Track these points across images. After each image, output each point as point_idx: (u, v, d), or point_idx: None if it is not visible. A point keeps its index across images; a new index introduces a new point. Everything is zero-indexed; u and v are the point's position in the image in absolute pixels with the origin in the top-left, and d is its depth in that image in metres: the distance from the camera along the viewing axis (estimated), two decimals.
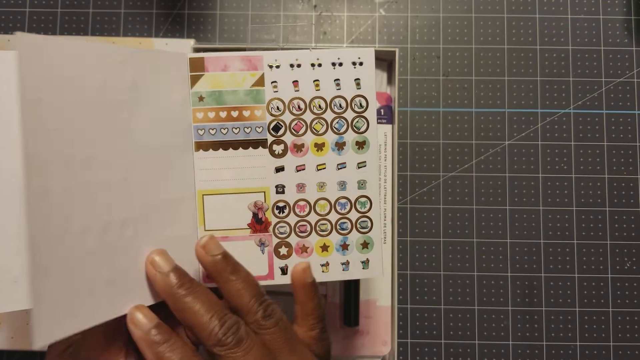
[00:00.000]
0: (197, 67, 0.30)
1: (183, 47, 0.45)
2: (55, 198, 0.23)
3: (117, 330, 0.28)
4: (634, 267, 0.45)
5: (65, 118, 0.24)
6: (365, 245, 0.31)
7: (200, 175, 0.30)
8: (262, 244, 0.31)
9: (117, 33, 0.47)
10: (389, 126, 0.42)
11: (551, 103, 0.46)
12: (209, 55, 0.30)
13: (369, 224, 0.31)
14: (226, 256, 0.28)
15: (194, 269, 0.30)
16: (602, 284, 0.45)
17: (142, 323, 0.26)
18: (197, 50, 0.43)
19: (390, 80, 0.43)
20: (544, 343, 0.45)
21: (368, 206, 0.31)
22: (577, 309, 0.45)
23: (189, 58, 0.30)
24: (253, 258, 0.31)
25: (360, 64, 0.31)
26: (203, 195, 0.31)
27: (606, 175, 0.46)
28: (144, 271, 0.27)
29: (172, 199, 0.29)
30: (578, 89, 0.46)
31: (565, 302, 0.45)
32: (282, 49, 0.41)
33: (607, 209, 0.46)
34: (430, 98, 0.46)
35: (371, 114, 0.31)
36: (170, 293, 0.27)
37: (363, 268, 0.31)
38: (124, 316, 0.27)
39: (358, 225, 0.31)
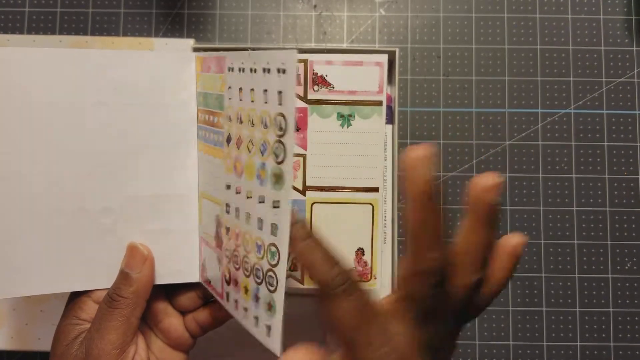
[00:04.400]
0: (199, 67, 0.30)
1: (183, 47, 0.45)
2: (21, 184, 0.28)
3: (132, 327, 0.28)
4: (634, 267, 0.45)
5: (35, 119, 0.28)
6: (269, 307, 0.24)
7: (200, 176, 0.30)
8: (219, 261, 0.28)
9: (117, 33, 0.47)
10: (389, 126, 0.42)
11: (551, 103, 0.46)
12: (204, 55, 0.30)
13: (275, 282, 0.24)
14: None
15: (186, 263, 0.30)
16: (602, 284, 0.45)
17: (301, 230, 0.24)
18: (196, 50, 0.42)
19: (390, 80, 0.43)
20: (544, 343, 0.45)
21: (276, 259, 0.24)
22: (577, 309, 0.45)
23: (197, 57, 0.30)
24: (215, 271, 0.29)
25: (284, 71, 0.23)
26: (200, 196, 0.30)
27: (606, 175, 0.46)
28: (121, 257, 0.29)
29: (165, 194, 0.30)
30: (578, 89, 0.46)
31: (565, 302, 0.45)
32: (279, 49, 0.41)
33: (607, 209, 0.46)
34: (430, 98, 0.46)
35: (289, 140, 0.22)
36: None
37: (266, 334, 0.24)
38: (143, 308, 0.29)
39: (267, 279, 0.25)
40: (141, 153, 0.29)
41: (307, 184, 0.30)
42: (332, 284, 0.22)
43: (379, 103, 0.30)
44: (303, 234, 0.23)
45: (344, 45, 0.47)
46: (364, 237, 0.30)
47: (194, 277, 0.31)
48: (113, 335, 0.27)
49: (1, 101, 0.28)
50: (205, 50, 0.43)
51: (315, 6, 0.47)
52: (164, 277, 0.30)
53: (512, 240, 0.25)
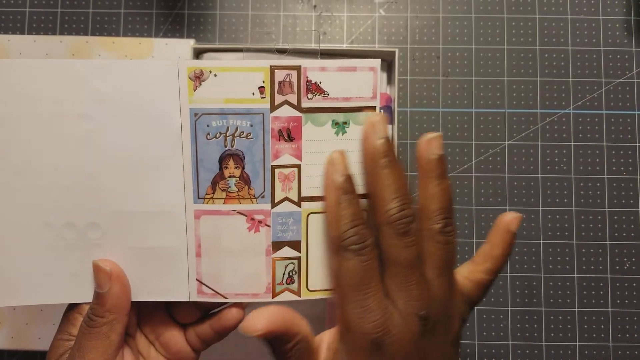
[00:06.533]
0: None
1: (183, 47, 0.45)
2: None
3: (113, 345, 0.28)
4: (634, 267, 0.45)
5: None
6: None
7: None
8: None
9: (117, 33, 0.47)
10: (389, 126, 0.42)
11: (551, 103, 0.46)
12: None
13: None
14: (441, 159, 0.27)
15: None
16: (601, 284, 0.45)
17: (340, 167, 0.27)
18: (196, 50, 0.43)
19: (390, 80, 0.43)
20: (544, 343, 0.45)
21: None
22: (576, 309, 0.45)
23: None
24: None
25: None
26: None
27: (606, 175, 0.46)
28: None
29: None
30: (578, 89, 0.46)
31: (564, 302, 0.45)
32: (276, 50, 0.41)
33: (607, 209, 0.46)
34: (430, 98, 0.46)
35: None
36: (373, 158, 0.26)
37: None
38: (126, 335, 0.29)
39: None
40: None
41: (303, 194, 0.30)
42: (345, 240, 0.25)
43: (374, 108, 0.29)
44: (339, 185, 0.26)
45: (344, 46, 0.47)
46: None
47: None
48: (92, 354, 0.27)
49: None
50: (206, 50, 0.43)
51: (315, 6, 0.47)
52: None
53: (506, 217, 0.29)
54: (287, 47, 0.42)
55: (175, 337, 0.31)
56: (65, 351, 0.28)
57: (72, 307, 0.29)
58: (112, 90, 0.28)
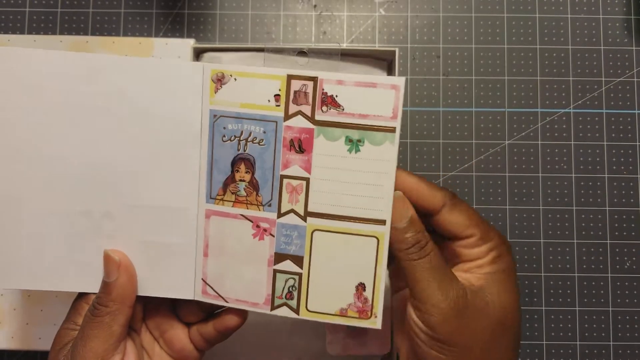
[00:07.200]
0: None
1: (183, 46, 0.45)
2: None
3: (115, 336, 0.28)
4: (634, 267, 0.45)
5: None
6: None
7: None
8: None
9: (117, 33, 0.47)
10: None
11: (551, 102, 0.46)
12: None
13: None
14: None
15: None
16: (601, 283, 0.45)
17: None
18: (196, 49, 0.43)
19: None
20: (544, 342, 0.45)
21: None
22: (577, 309, 0.45)
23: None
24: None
25: None
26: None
27: (606, 175, 0.46)
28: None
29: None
30: (578, 89, 0.46)
31: (565, 301, 0.45)
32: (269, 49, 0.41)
33: (607, 208, 0.46)
34: (430, 98, 0.46)
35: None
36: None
37: None
38: (131, 330, 0.30)
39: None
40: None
41: (309, 209, 0.29)
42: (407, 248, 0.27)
43: (392, 130, 0.28)
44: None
45: (344, 45, 0.47)
46: (367, 271, 0.28)
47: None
48: (95, 343, 0.27)
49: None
50: (206, 50, 0.43)
51: (315, 6, 0.47)
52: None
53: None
54: (310, 45, 0.42)
55: (179, 335, 0.31)
56: (70, 340, 0.29)
57: (80, 297, 0.30)
58: (134, 86, 0.29)
